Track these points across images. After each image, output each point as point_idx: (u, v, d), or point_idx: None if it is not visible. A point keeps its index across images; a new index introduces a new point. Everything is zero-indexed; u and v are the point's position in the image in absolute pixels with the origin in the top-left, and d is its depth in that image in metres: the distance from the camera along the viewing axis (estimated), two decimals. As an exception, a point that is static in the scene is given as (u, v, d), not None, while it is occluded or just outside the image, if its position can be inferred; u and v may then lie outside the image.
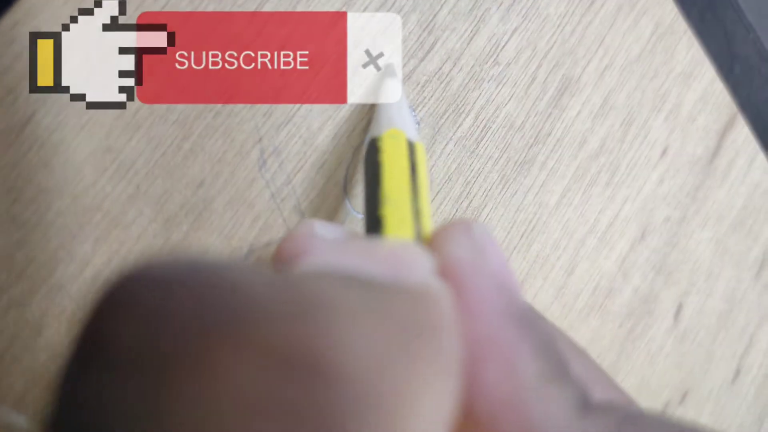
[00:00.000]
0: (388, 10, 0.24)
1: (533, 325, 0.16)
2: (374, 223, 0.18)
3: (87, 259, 0.20)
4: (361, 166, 0.24)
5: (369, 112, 0.24)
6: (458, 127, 0.26)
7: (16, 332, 0.20)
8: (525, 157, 0.27)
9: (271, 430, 0.10)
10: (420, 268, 0.15)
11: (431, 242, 0.17)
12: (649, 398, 0.31)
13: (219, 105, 0.22)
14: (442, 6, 0.25)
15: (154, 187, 0.21)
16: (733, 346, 0.34)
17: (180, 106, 0.21)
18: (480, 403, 0.15)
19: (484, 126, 0.26)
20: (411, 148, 0.21)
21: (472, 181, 0.26)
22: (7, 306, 0.20)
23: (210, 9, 0.21)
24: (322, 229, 0.18)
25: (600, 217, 0.29)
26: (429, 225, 0.18)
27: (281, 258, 0.17)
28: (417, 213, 0.18)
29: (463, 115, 0.26)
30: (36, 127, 0.20)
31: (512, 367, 0.15)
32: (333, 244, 0.15)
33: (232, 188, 0.22)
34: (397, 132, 0.21)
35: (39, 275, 0.20)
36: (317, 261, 0.14)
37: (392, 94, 0.23)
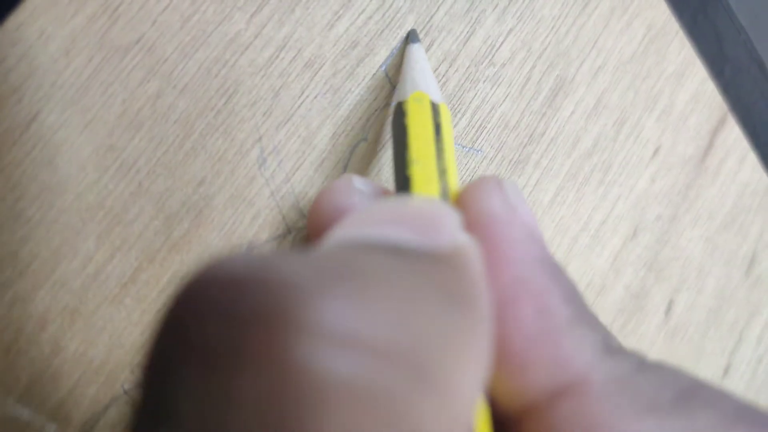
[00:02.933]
0: (385, 12, 0.24)
1: (562, 273, 0.17)
2: (403, 183, 0.19)
3: (89, 256, 0.21)
4: (361, 165, 0.24)
5: (366, 111, 0.24)
6: (454, 127, 0.26)
7: (20, 326, 0.20)
8: (519, 156, 0.27)
9: (347, 415, 0.10)
10: (448, 224, 0.15)
11: (460, 197, 0.18)
12: (640, 393, 0.32)
13: (220, 104, 0.22)
14: (438, 8, 0.25)
15: (156, 185, 0.21)
16: (723, 342, 0.34)
17: (182, 105, 0.22)
18: (513, 341, 0.16)
19: (480, 125, 0.26)
20: (435, 109, 0.21)
21: (467, 180, 0.26)
22: (12, 301, 0.20)
23: (210, 11, 0.22)
24: (359, 182, 0.20)
25: (593, 215, 0.29)
26: (455, 182, 0.19)
27: (321, 207, 0.19)
28: (443, 171, 0.19)
29: (459, 115, 0.26)
30: (40, 126, 0.20)
31: (545, 307, 0.16)
32: (366, 210, 0.15)
33: (232, 186, 0.22)
34: (421, 95, 0.22)
35: (43, 271, 0.20)
36: (354, 232, 0.14)
37: (416, 57, 0.24)
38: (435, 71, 0.25)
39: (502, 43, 0.27)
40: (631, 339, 0.31)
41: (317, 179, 0.24)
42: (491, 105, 0.27)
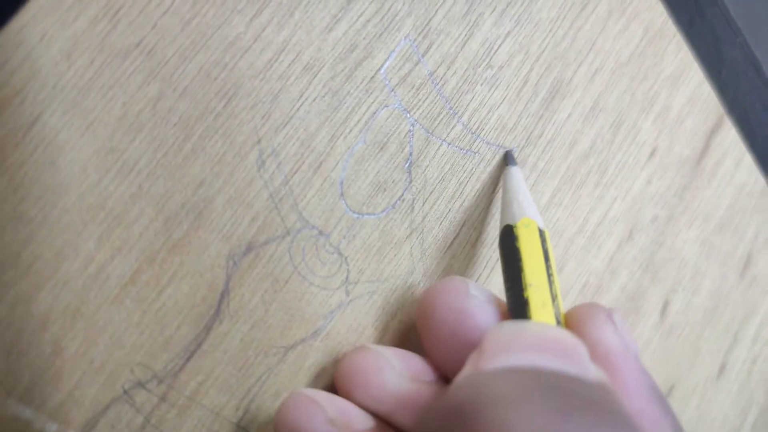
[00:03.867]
0: (384, 15, 0.24)
1: (667, 402, 0.20)
2: (519, 305, 0.21)
3: (91, 256, 0.21)
4: (359, 167, 0.25)
5: (365, 114, 0.25)
6: (452, 129, 0.26)
7: (22, 327, 0.20)
8: (517, 157, 0.28)
9: None
10: (583, 355, 0.18)
11: (571, 323, 0.21)
12: (635, 392, 0.32)
13: (219, 106, 0.22)
14: (437, 11, 0.26)
15: (156, 187, 0.22)
16: (718, 342, 0.35)
17: (182, 108, 0.22)
18: None
19: (477, 128, 0.27)
20: (542, 236, 0.23)
21: (465, 182, 0.27)
22: (13, 301, 0.20)
23: (210, 14, 0.22)
24: (474, 288, 0.22)
25: (589, 217, 0.30)
26: (562, 307, 0.22)
27: (437, 306, 0.22)
28: (554, 296, 0.21)
29: (457, 117, 0.26)
30: (42, 128, 0.20)
31: None
32: (512, 334, 0.18)
33: (232, 188, 0.23)
34: (530, 221, 0.23)
35: (45, 271, 0.20)
36: (511, 360, 0.17)
37: (518, 181, 0.26)
38: (433, 74, 0.26)
39: (499, 45, 0.27)
40: (626, 339, 0.31)
41: (316, 181, 0.24)
42: (489, 107, 0.27)
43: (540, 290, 0.21)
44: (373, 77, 0.25)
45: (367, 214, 0.25)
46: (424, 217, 0.26)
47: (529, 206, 0.24)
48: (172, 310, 0.22)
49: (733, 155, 0.34)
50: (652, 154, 0.31)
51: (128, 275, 0.21)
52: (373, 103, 0.25)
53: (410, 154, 0.25)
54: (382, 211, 0.25)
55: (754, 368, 0.37)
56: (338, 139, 0.24)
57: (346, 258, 0.25)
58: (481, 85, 0.27)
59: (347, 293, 0.25)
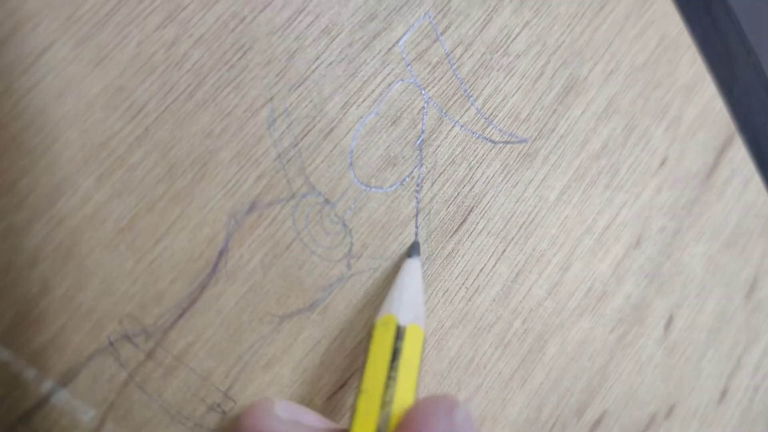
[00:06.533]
0: (407, -15, 0.24)
1: None
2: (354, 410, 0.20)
3: (89, 195, 0.20)
4: (370, 138, 0.24)
5: (380, 86, 0.24)
6: (465, 111, 0.26)
7: (11, 260, 0.19)
8: (528, 149, 0.27)
9: None
10: None
11: (409, 424, 0.19)
12: (636, 409, 0.31)
13: (234, 59, 0.22)
14: (458, -9, 0.25)
15: (163, 132, 0.21)
16: (721, 366, 0.34)
17: (196, 55, 0.21)
18: None
19: (491, 113, 0.26)
20: (399, 333, 0.21)
21: (475, 167, 0.26)
22: (4, 232, 0.19)
23: (234, -37, 0.22)
24: (279, 408, 0.22)
25: (597, 219, 0.29)
26: (407, 403, 0.20)
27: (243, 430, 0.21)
28: (388, 402, 0.20)
29: (471, 100, 0.26)
30: (53, 57, 0.20)
31: None
32: None
33: (240, 143, 0.22)
34: (389, 318, 0.22)
35: (40, 205, 0.20)
36: None
37: (407, 273, 0.24)
38: (450, 54, 0.25)
39: (518, 34, 0.27)
40: (629, 350, 0.30)
41: (326, 147, 0.23)
42: (503, 95, 0.27)
43: (371, 396, 0.20)
44: (390, 49, 0.24)
45: (375, 187, 0.24)
46: (432, 198, 0.25)
47: (397, 301, 0.23)
48: (168, 263, 0.21)
49: (742, 174, 0.33)
50: (663, 163, 0.31)
51: (126, 220, 0.21)
52: (388, 75, 0.24)
53: (422, 132, 0.25)
54: (391, 186, 0.25)
55: (756, 397, 0.35)
56: (351, 107, 0.24)
57: (350, 230, 0.24)
58: (497, 71, 0.26)
59: (349, 267, 0.24)
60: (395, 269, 0.24)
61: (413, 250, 0.25)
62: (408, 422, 0.19)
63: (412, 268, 0.24)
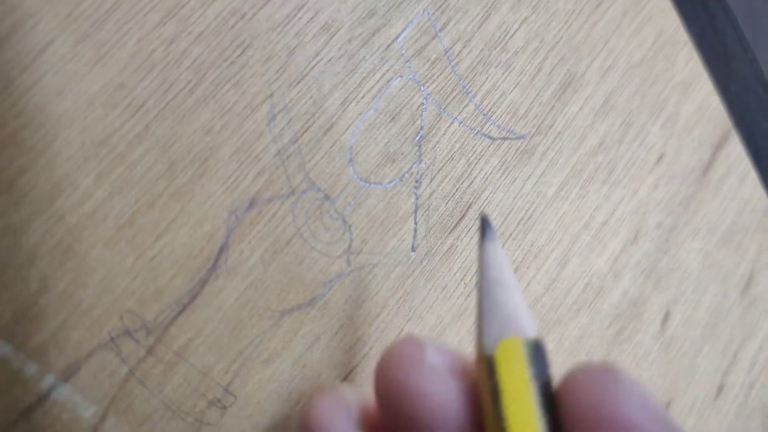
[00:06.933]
0: (406, -18, 0.24)
1: None
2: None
3: (89, 193, 0.20)
4: (369, 134, 0.24)
5: (379, 82, 0.24)
6: (464, 108, 0.26)
7: (9, 259, 0.19)
8: (526, 145, 0.27)
9: None
10: None
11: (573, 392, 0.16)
12: (632, 404, 0.31)
13: (234, 55, 0.22)
14: (456, -13, 0.26)
15: (163, 129, 0.21)
16: (717, 362, 0.34)
17: (196, 52, 0.21)
18: None
19: (489, 110, 0.26)
20: (489, 367, 0.17)
21: (474, 163, 0.26)
22: (4, 229, 0.19)
23: (234, -40, 0.22)
24: (432, 354, 0.17)
25: (595, 214, 0.29)
26: None
27: (388, 381, 0.17)
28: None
29: (470, 97, 0.26)
30: (53, 55, 0.20)
31: None
32: None
33: (240, 139, 0.22)
34: (513, 341, 0.17)
35: (39, 203, 0.20)
36: None
37: (486, 269, 0.19)
38: (449, 50, 0.26)
39: (516, 30, 0.27)
40: (626, 346, 0.31)
41: (325, 143, 0.23)
42: (502, 91, 0.27)
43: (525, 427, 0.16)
44: (389, 45, 0.24)
45: (375, 183, 0.24)
46: (431, 194, 0.25)
47: (482, 323, 0.18)
48: (168, 259, 0.21)
49: (738, 170, 0.34)
50: (660, 159, 0.31)
51: (126, 217, 0.21)
52: (387, 71, 0.24)
53: (421, 128, 0.25)
54: (390, 182, 0.25)
55: (751, 393, 0.36)
56: (350, 103, 0.24)
57: (349, 226, 0.24)
58: (496, 67, 0.26)
59: (348, 263, 0.24)
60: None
61: (485, 228, 0.20)
62: (575, 419, 0.16)
63: (487, 257, 0.19)
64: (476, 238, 0.26)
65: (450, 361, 0.17)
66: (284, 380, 0.23)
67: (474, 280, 0.26)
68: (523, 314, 0.18)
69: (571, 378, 0.17)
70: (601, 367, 0.16)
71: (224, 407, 0.22)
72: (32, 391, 0.20)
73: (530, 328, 0.17)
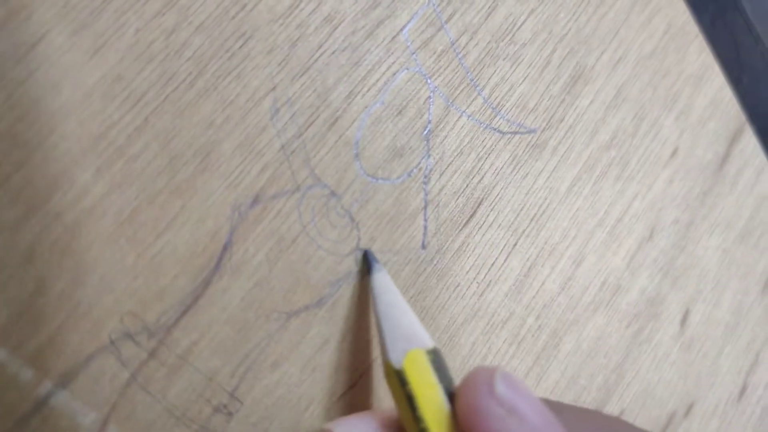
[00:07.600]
0: (411, -30, 0.24)
1: None
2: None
3: (87, 188, 0.19)
4: (376, 129, 0.23)
5: (385, 74, 0.24)
6: (472, 101, 0.25)
7: (4, 258, 0.19)
8: (537, 140, 0.27)
9: None
10: None
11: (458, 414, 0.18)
12: (654, 408, 0.30)
13: (236, 47, 0.21)
14: (462, -22, 0.25)
15: (163, 122, 0.20)
16: (739, 362, 0.33)
17: (196, 42, 0.21)
18: None
19: (498, 103, 0.26)
20: (400, 378, 0.19)
21: (484, 158, 0.25)
22: (-1, 226, 0.18)
23: (234, -51, 0.21)
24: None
25: (610, 211, 0.28)
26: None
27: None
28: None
29: (478, 90, 0.25)
30: (48, 47, 0.19)
31: None
32: None
33: (242, 134, 0.21)
34: (417, 353, 0.19)
35: (35, 199, 0.19)
36: None
37: (379, 294, 0.21)
38: (456, 42, 0.25)
39: (523, 22, 0.26)
40: (646, 347, 0.30)
41: (330, 138, 0.23)
42: (510, 84, 0.26)
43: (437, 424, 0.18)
44: (394, 37, 0.24)
45: (382, 179, 0.24)
46: (440, 190, 0.25)
47: (385, 341, 0.20)
48: (170, 258, 0.20)
49: (754, 165, 0.33)
50: (674, 153, 0.30)
51: (126, 213, 0.20)
52: (393, 63, 0.24)
53: (429, 122, 0.24)
54: (398, 177, 0.24)
55: (775, 395, 0.34)
56: (356, 96, 0.23)
57: (357, 223, 0.23)
58: (504, 60, 0.26)
59: (357, 262, 0.23)
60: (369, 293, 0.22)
61: (371, 261, 0.23)
62: (459, 419, 0.18)
63: (378, 285, 0.22)
64: (486, 235, 0.26)
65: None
66: (292, 385, 0.22)
67: (487, 278, 0.25)
68: (419, 329, 0.20)
69: (462, 380, 0.19)
70: (481, 368, 0.18)
71: (230, 413, 0.21)
72: (29, 397, 0.19)
73: (428, 341, 0.20)
